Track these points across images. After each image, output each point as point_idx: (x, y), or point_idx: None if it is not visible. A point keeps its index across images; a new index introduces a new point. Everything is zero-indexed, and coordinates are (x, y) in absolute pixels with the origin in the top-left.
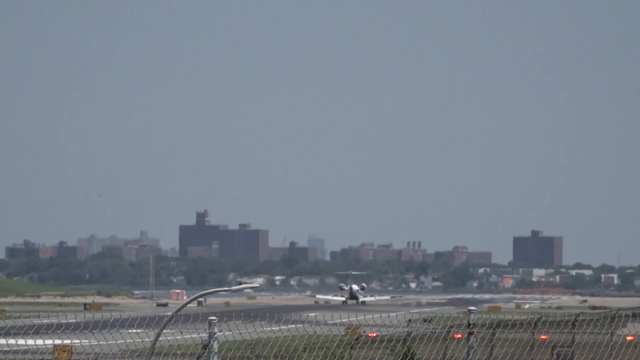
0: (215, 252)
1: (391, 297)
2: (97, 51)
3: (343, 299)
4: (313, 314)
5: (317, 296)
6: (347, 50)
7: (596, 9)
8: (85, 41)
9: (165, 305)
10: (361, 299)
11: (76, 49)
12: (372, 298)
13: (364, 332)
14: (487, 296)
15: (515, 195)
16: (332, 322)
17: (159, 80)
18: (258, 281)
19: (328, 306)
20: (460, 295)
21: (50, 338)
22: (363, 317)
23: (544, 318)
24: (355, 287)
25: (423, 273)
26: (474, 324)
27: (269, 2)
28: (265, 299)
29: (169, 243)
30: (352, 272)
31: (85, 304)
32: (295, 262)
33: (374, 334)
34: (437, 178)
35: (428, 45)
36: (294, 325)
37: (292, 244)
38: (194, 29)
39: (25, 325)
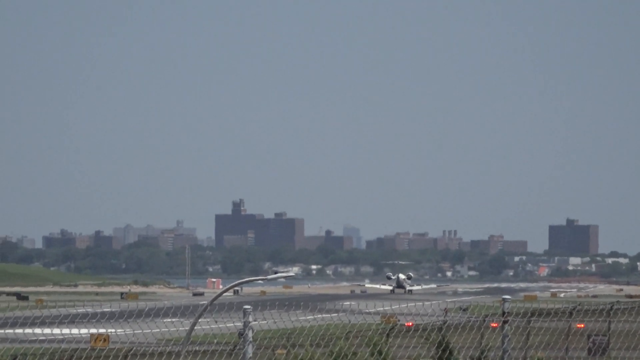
0: (251, 241)
1: (437, 286)
2: (136, 34)
3: (390, 287)
4: (348, 303)
5: (366, 285)
6: (378, 36)
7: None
8: (122, 26)
9: (201, 294)
10: (408, 287)
11: (108, 34)
12: (419, 287)
13: (399, 320)
14: (522, 285)
15: (550, 184)
16: (368, 311)
17: (195, 70)
18: (294, 270)
19: (364, 295)
20: (496, 284)
21: (87, 327)
22: (398, 306)
23: (579, 307)
24: (402, 276)
25: (459, 262)
26: (508, 312)
27: None
28: (302, 288)
29: (205, 232)
30: (400, 262)
31: (122, 293)
32: (331, 251)
33: (411, 323)
34: (473, 166)
35: (460, 28)
36: (329, 315)
37: (328, 233)
38: (235, 15)
39: (62, 315)
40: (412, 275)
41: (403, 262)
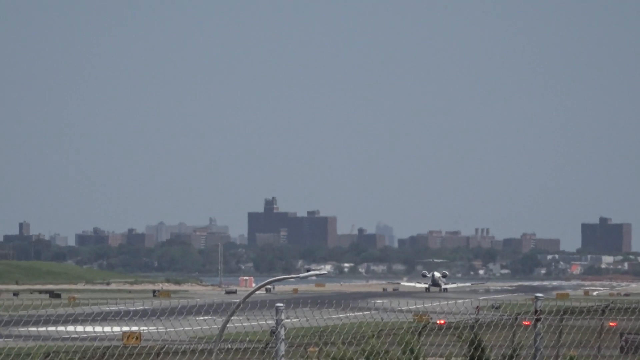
0: (283, 239)
1: (472, 284)
2: (172, 31)
3: (426, 286)
4: (380, 301)
5: (402, 283)
6: (408, 31)
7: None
8: (140, 23)
9: (233, 292)
10: (443, 286)
11: (134, 31)
12: (454, 285)
13: (431, 319)
14: (555, 283)
15: (583, 182)
16: (400, 309)
17: (228, 68)
18: (326, 268)
19: (396, 293)
20: (528, 282)
21: (119, 325)
22: (430, 304)
23: (612, 305)
24: (437, 274)
25: (491, 260)
26: (540, 310)
27: None
28: (334, 286)
29: (238, 230)
30: (436, 260)
31: (154, 291)
32: (364, 249)
33: (443, 321)
34: (506, 165)
35: (478, 21)
36: (361, 313)
37: (361, 231)
38: (252, 13)
39: (94, 312)
40: (447, 273)
41: (439, 260)
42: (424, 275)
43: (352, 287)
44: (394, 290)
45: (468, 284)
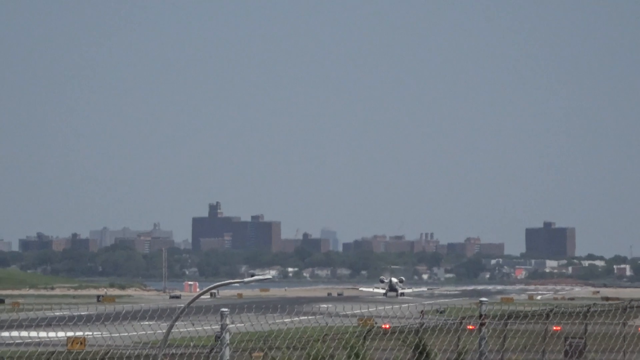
0: (227, 244)
1: (427, 289)
2: (107, 44)
3: (383, 291)
4: (325, 306)
5: (360, 289)
6: (356, 42)
7: (596, 9)
8: (100, 33)
9: (178, 297)
10: (400, 290)
11: (86, 41)
12: (410, 290)
13: (376, 323)
14: (499, 287)
15: (527, 187)
16: (345, 313)
17: (172, 73)
18: (271, 273)
19: (341, 298)
20: (472, 287)
21: (63, 330)
22: (375, 309)
23: (556, 309)
24: (394, 279)
25: (435, 265)
26: (485, 315)
27: None
28: (279, 291)
29: (182, 235)
30: (392, 266)
31: (98, 296)
32: (308, 254)
33: (387, 326)
34: (450, 169)
35: (425, 38)
36: (306, 317)
37: (305, 235)
38: (201, 20)
39: (39, 318)
40: (403, 279)
41: (395, 267)
42: (382, 281)
43: (297, 291)
44: (339, 295)
45: (424, 288)
